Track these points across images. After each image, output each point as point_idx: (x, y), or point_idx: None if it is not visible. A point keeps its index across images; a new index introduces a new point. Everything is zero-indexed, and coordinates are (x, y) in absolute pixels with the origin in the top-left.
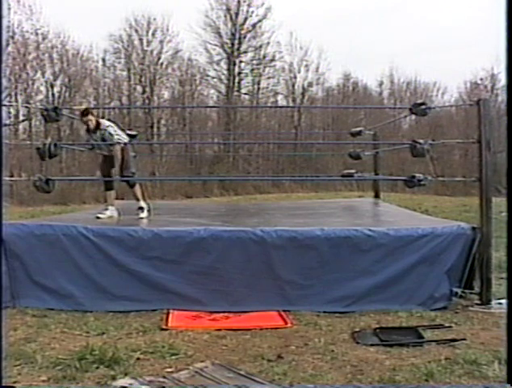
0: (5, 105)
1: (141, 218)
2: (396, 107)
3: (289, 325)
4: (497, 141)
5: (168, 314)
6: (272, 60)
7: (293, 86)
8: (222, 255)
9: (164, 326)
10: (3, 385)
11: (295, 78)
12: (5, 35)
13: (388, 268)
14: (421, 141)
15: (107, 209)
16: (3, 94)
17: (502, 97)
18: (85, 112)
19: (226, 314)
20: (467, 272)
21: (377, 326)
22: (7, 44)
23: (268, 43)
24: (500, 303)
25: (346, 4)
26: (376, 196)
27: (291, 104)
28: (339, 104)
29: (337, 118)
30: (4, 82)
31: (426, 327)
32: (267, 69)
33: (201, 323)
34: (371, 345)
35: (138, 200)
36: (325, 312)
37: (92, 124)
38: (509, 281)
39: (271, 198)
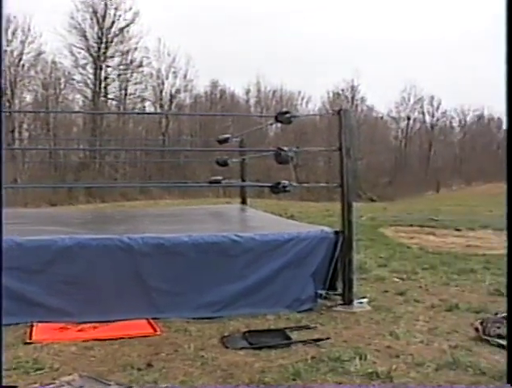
0: None
1: None
2: (262, 116)
3: (158, 332)
4: (356, 148)
5: (32, 326)
6: (140, 65)
7: (161, 92)
8: (89, 264)
9: (28, 340)
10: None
11: (163, 84)
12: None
13: (255, 273)
14: (286, 148)
15: None
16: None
17: (361, 107)
18: None
19: (94, 324)
20: (331, 274)
21: (246, 329)
22: None
23: (136, 48)
24: (361, 303)
25: (214, 12)
26: (243, 202)
27: (158, 111)
28: (207, 111)
29: (205, 125)
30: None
31: (293, 329)
32: (135, 75)
33: (67, 335)
34: (241, 349)
35: None
36: (194, 318)
37: None
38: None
39: (139, 205)
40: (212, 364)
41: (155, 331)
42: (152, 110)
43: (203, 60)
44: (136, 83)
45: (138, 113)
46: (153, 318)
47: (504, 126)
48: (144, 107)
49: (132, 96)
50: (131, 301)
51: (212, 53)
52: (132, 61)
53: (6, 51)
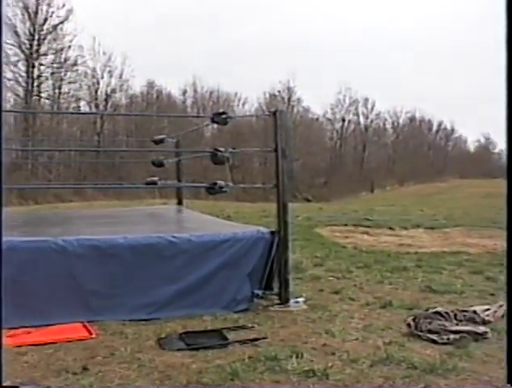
0: None
1: None
2: (198, 116)
3: (94, 336)
4: (292, 149)
5: None
6: (74, 64)
7: (96, 91)
8: (21, 267)
9: None
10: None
11: (99, 83)
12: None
13: (192, 274)
14: (222, 149)
15: None
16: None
17: (297, 108)
18: None
19: (27, 329)
20: (267, 273)
21: (183, 331)
22: None
23: (70, 46)
24: (297, 302)
25: (151, 11)
26: (180, 203)
27: (93, 110)
28: (143, 111)
29: (141, 125)
30: None
31: (230, 329)
32: (69, 74)
33: None
34: (178, 350)
35: None
36: (130, 320)
37: None
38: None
39: (73, 206)
40: (149, 367)
41: (90, 334)
42: (87, 109)
43: (139, 59)
44: (70, 82)
45: (72, 113)
46: (88, 322)
47: (434, 127)
48: (79, 106)
49: (66, 95)
50: (65, 304)
51: (149, 53)
52: (66, 60)
53: None
